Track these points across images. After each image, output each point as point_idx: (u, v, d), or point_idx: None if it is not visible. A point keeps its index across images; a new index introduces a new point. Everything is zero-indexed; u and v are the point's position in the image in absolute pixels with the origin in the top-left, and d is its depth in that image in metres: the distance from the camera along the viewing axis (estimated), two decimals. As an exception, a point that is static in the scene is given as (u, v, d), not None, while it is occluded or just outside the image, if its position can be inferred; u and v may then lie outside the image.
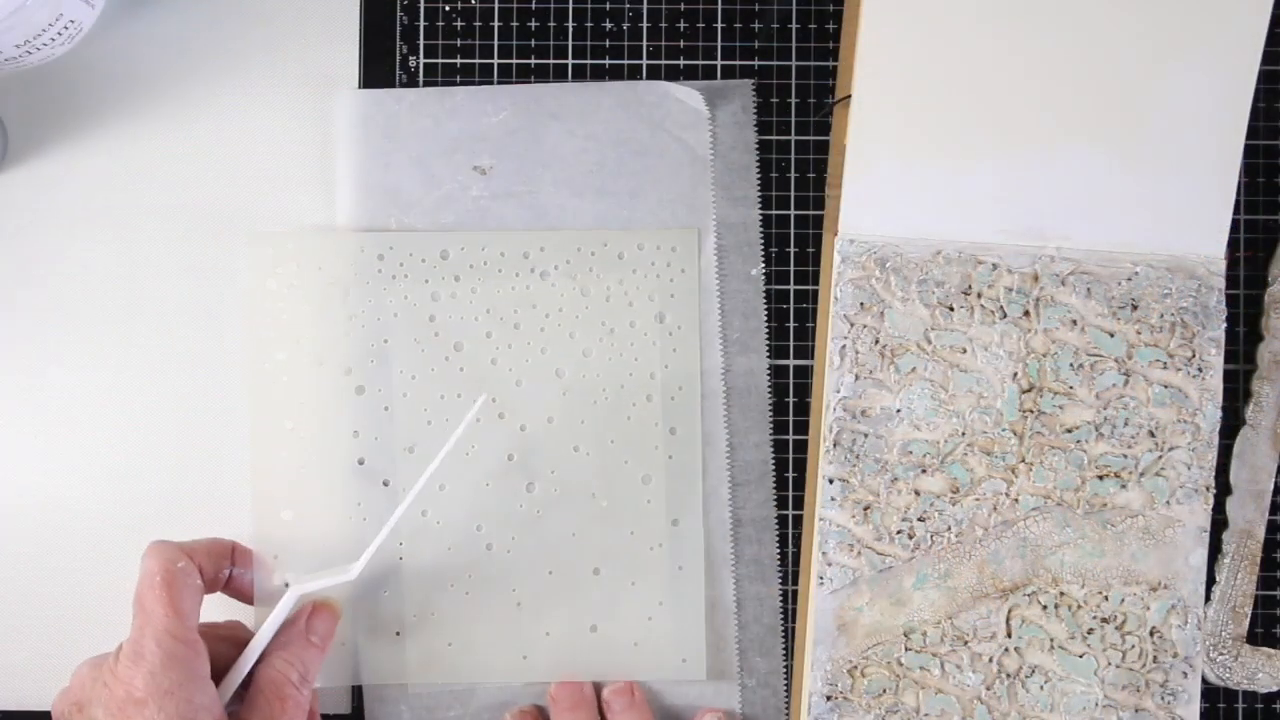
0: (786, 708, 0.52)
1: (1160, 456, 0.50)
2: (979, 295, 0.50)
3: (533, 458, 0.52)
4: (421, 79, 0.54)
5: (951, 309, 0.50)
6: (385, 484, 0.51)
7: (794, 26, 0.54)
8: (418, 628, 0.51)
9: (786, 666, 0.52)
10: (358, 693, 0.52)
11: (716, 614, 0.52)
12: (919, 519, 0.50)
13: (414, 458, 0.51)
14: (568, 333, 0.52)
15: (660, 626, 0.51)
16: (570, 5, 0.54)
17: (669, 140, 0.52)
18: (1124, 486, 0.50)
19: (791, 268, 0.53)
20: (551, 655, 0.51)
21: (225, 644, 0.48)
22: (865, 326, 0.50)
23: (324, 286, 0.52)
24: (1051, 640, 0.49)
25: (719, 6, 0.54)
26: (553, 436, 0.52)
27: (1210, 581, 0.51)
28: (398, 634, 0.51)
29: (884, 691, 0.49)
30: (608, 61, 0.54)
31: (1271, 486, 0.52)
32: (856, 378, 0.50)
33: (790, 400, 0.53)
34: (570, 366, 0.52)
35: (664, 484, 0.52)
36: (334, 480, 0.51)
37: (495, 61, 0.54)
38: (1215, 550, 0.52)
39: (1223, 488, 0.52)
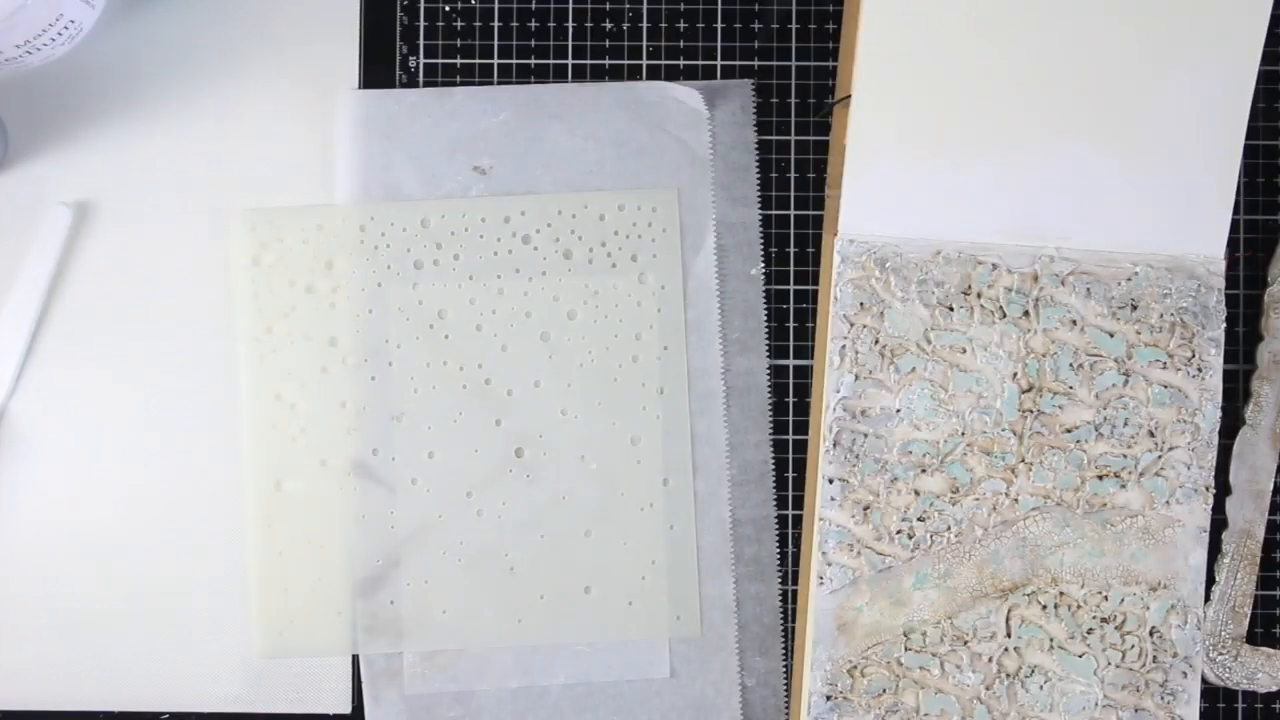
0: (786, 708, 0.52)
1: (1160, 456, 0.50)
2: (979, 295, 0.50)
3: (521, 422, 0.52)
4: (421, 79, 0.54)
5: (951, 309, 0.50)
6: (374, 452, 0.51)
7: (794, 26, 0.54)
8: (412, 596, 0.51)
9: (786, 666, 0.52)
10: (358, 693, 0.52)
11: (716, 614, 0.52)
12: (919, 519, 0.50)
13: (402, 426, 0.51)
14: (551, 296, 0.52)
15: (654, 585, 0.52)
16: (570, 5, 0.54)
17: (669, 140, 0.52)
18: (1124, 486, 0.50)
19: (791, 268, 0.53)
20: (546, 618, 0.51)
21: None
22: (865, 326, 0.50)
23: (308, 259, 0.52)
24: (1051, 640, 0.49)
25: (719, 6, 0.54)
26: (540, 400, 0.52)
27: (1210, 581, 0.51)
28: (392, 603, 0.51)
29: (884, 691, 0.49)
30: (608, 61, 0.54)
31: (1271, 486, 0.52)
32: (856, 378, 0.50)
33: (790, 400, 0.53)
34: (555, 330, 0.52)
35: (653, 444, 0.52)
36: (323, 449, 0.51)
37: (495, 61, 0.54)
38: (1215, 550, 0.52)
39: (1222, 488, 0.52)
